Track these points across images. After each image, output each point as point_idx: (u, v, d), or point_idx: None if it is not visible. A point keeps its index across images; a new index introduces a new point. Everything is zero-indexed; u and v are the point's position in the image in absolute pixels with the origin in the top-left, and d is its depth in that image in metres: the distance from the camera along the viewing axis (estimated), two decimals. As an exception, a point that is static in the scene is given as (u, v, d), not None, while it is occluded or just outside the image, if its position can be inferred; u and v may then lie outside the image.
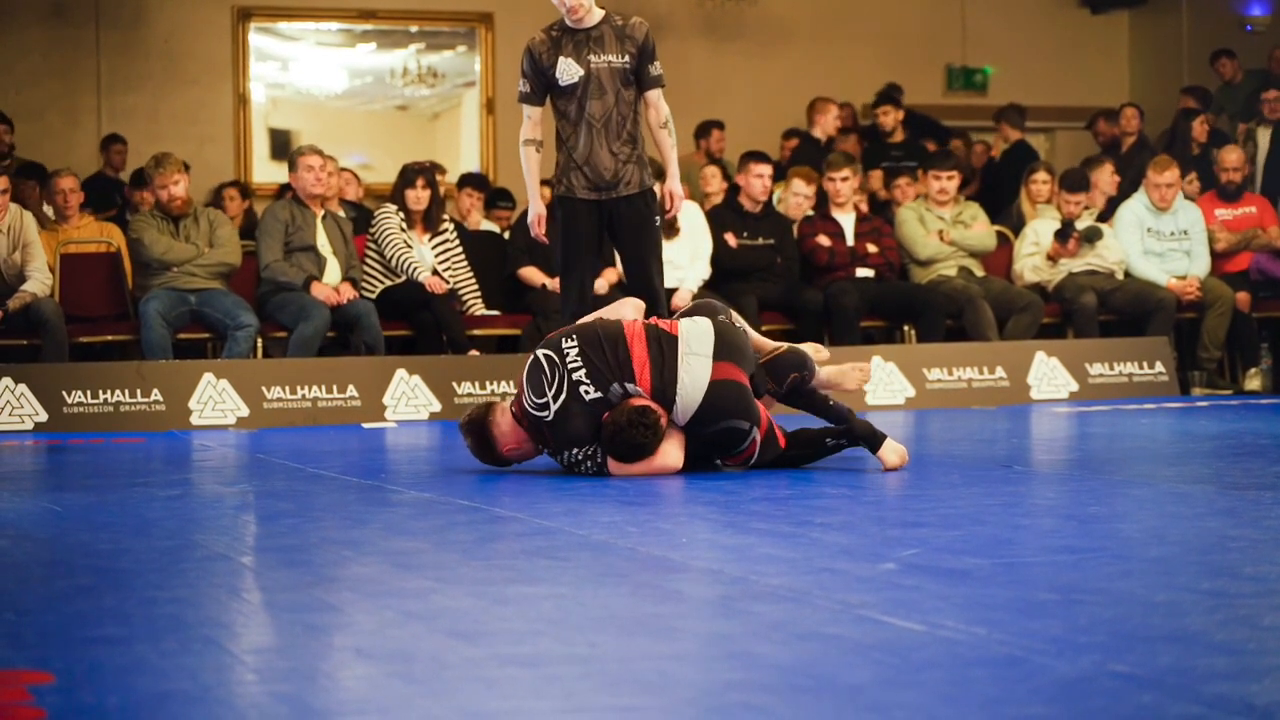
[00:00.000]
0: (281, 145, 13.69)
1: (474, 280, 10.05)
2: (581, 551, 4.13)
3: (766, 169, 10.30)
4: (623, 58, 6.88)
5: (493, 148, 14.05)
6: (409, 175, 9.89)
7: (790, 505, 5.00)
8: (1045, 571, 3.69)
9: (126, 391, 8.52)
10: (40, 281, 9.15)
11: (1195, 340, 10.61)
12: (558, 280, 7.48)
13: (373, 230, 9.84)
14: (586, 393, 5.68)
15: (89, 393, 8.46)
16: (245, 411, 8.65)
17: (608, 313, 6.11)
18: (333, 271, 9.51)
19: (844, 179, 10.43)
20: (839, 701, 2.60)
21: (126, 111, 13.35)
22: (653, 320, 5.96)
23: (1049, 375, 9.77)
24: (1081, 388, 9.79)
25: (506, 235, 10.69)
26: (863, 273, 10.33)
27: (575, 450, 5.77)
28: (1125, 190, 11.43)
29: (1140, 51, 15.69)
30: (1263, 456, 6.51)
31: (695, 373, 5.70)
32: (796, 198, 10.48)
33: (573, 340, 5.76)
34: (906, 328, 10.36)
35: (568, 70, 6.87)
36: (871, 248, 10.38)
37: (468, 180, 11.40)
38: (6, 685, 2.73)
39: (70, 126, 13.31)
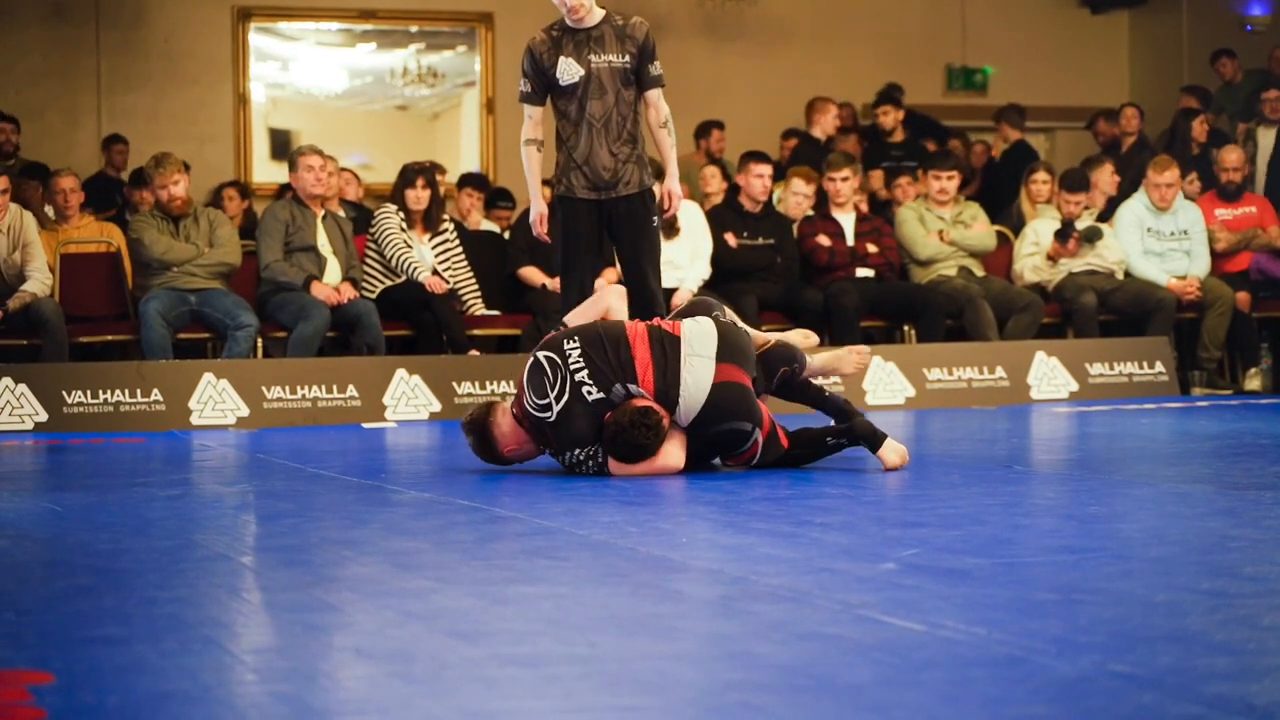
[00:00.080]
0: (281, 145, 13.69)
1: (474, 280, 10.05)
2: (581, 551, 4.13)
3: (766, 169, 10.30)
4: (623, 57, 6.88)
5: (493, 148, 14.06)
6: (409, 175, 9.89)
7: (790, 505, 5.00)
8: (1045, 571, 3.69)
9: (126, 391, 8.52)
10: (40, 281, 9.16)
11: (1195, 340, 10.61)
12: (558, 280, 7.48)
13: (373, 230, 9.84)
14: (589, 394, 5.68)
15: (89, 393, 8.46)
16: (245, 411, 8.65)
17: (588, 305, 6.12)
18: (333, 271, 9.51)
19: (844, 179, 10.43)
20: (839, 701, 2.60)
21: (126, 111, 13.35)
22: (655, 321, 5.96)
23: (1049, 375, 9.77)
24: (1081, 388, 9.79)
25: (506, 235, 10.69)
26: (863, 273, 10.33)
27: (578, 451, 5.77)
28: (1125, 190, 11.43)
29: (1140, 51, 15.69)
30: (1263, 456, 6.51)
31: (698, 374, 5.70)
32: (796, 197, 10.48)
33: (574, 341, 5.76)
34: (906, 328, 10.36)
35: (568, 70, 6.87)
36: (871, 248, 10.38)
37: (468, 180, 11.40)
38: (6, 685, 2.73)
39: (70, 126, 13.31)
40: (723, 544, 4.32)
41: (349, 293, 9.41)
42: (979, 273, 10.59)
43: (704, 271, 9.96)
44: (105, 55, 13.39)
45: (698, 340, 5.76)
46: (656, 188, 7.13)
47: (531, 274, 10.07)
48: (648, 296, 6.96)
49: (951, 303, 10.26)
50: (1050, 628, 3.05)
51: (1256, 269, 10.99)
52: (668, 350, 5.74)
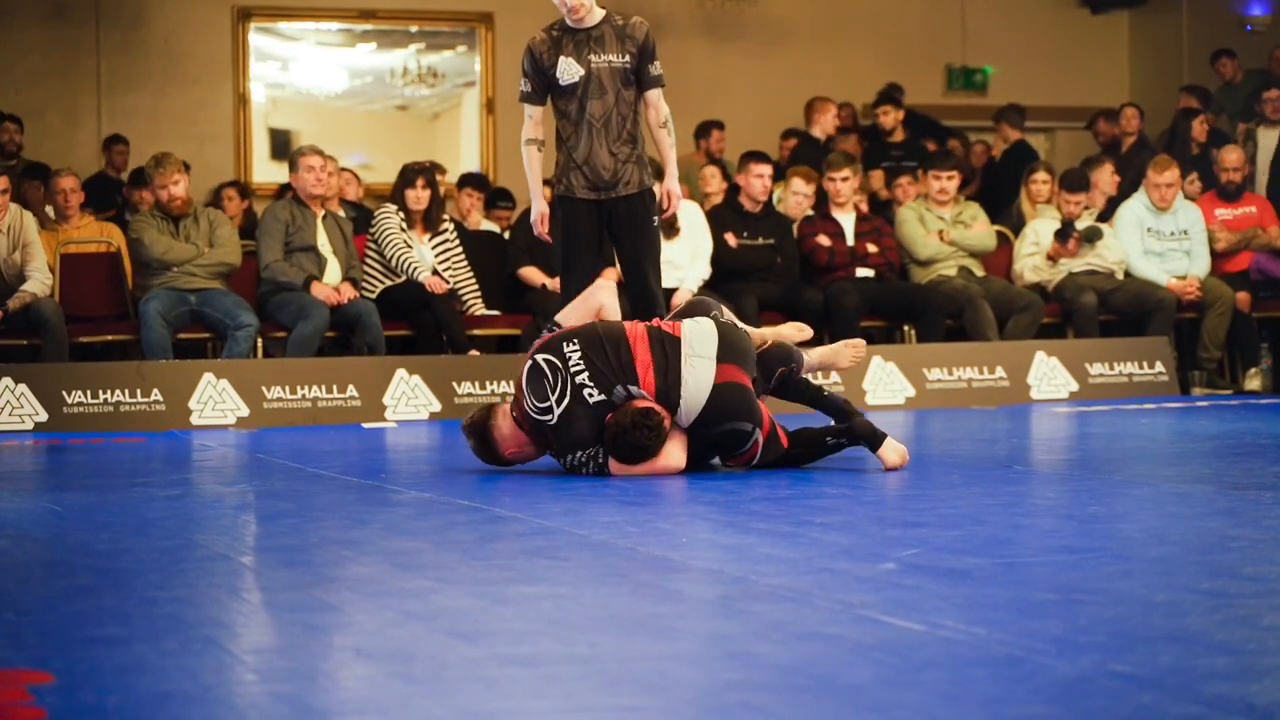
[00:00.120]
0: (281, 145, 13.69)
1: (474, 280, 10.05)
2: (581, 551, 4.13)
3: (766, 169, 10.29)
4: (623, 57, 6.88)
5: (493, 148, 14.06)
6: (409, 175, 9.89)
7: (790, 505, 5.00)
8: (1045, 571, 3.69)
9: (126, 391, 8.52)
10: (40, 281, 9.16)
11: (1195, 340, 10.60)
12: (558, 280, 7.48)
13: (373, 230, 9.84)
14: (590, 395, 5.68)
15: (89, 393, 8.45)
16: (245, 411, 8.65)
17: (579, 304, 6.11)
18: (333, 271, 9.51)
19: (844, 179, 10.43)
20: (839, 701, 2.60)
21: (126, 111, 13.35)
22: (654, 322, 5.96)
23: (1049, 375, 9.77)
24: (1081, 388, 9.79)
25: (506, 235, 10.69)
26: (863, 273, 10.33)
27: (579, 453, 5.77)
28: (1125, 190, 11.43)
29: (1140, 51, 15.69)
30: (1263, 456, 6.50)
31: (699, 375, 5.70)
32: (796, 197, 10.48)
33: (574, 344, 5.76)
34: (906, 328, 10.36)
35: (568, 70, 6.87)
36: (871, 248, 10.38)
37: (468, 180, 11.40)
38: (6, 685, 2.73)
39: (70, 126, 13.31)
40: (723, 544, 4.32)
41: (349, 293, 9.41)
42: (979, 273, 10.59)
43: (704, 271, 9.96)
44: (105, 55, 13.39)
45: (698, 341, 5.76)
46: (656, 188, 7.13)
47: (531, 274, 10.07)
48: (648, 297, 6.96)
49: (951, 303, 10.26)
50: (1050, 628, 3.05)
51: (1256, 269, 10.99)
52: (668, 351, 5.74)
